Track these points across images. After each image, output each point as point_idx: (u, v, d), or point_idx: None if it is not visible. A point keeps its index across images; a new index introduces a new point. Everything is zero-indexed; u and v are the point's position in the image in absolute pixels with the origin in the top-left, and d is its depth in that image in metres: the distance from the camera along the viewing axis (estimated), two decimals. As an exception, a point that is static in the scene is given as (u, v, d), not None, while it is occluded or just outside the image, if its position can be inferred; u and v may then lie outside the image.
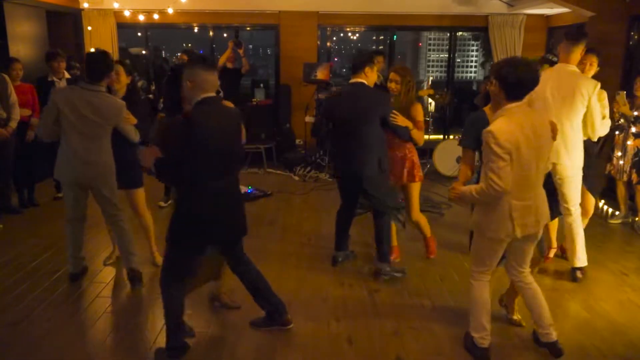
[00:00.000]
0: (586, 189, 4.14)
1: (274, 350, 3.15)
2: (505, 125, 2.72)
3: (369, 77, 3.88)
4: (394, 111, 3.87)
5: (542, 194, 2.93)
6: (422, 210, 5.79)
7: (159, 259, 4.11)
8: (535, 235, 2.94)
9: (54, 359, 3.06)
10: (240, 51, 7.77)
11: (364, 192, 3.99)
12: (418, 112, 4.05)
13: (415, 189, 4.27)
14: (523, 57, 3.04)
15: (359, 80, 3.87)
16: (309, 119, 8.10)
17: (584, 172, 3.94)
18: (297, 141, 8.76)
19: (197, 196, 2.81)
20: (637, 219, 5.32)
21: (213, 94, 2.77)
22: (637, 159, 5.10)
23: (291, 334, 3.32)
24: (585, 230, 4.60)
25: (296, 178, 7.43)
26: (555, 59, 6.19)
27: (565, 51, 3.86)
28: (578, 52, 3.85)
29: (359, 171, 3.88)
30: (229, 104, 3.04)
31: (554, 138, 2.90)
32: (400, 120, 3.88)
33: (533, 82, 2.75)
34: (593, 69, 4.16)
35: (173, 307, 2.95)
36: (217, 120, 2.76)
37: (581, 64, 3.99)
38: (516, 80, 2.70)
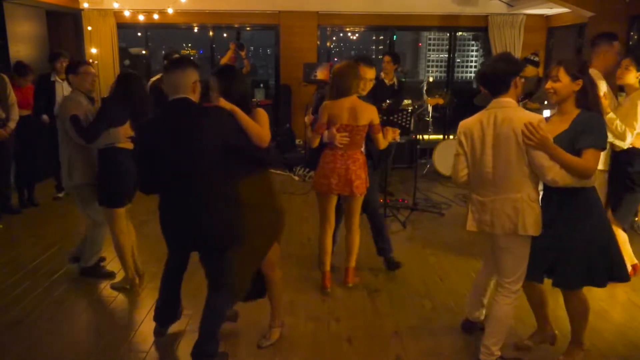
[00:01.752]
0: None
1: (274, 350, 3.15)
2: (470, 118, 2.83)
3: None
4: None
5: (510, 199, 2.69)
6: (422, 210, 5.84)
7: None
8: (497, 239, 2.78)
9: (54, 359, 3.06)
10: (242, 53, 7.78)
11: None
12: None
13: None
14: (509, 53, 3.00)
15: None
16: (309, 119, 8.09)
17: None
18: (297, 141, 8.76)
19: (161, 199, 2.82)
20: (636, 219, 5.32)
21: (183, 96, 2.68)
22: None
23: (291, 334, 3.32)
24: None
25: (296, 178, 7.43)
26: (537, 59, 6.22)
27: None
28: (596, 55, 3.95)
29: None
30: (225, 104, 2.80)
31: (526, 140, 2.59)
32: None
33: (496, 78, 2.70)
34: (630, 72, 3.79)
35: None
36: (177, 122, 2.66)
37: (618, 68, 3.87)
38: (481, 75, 2.81)
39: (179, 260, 3.10)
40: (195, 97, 2.75)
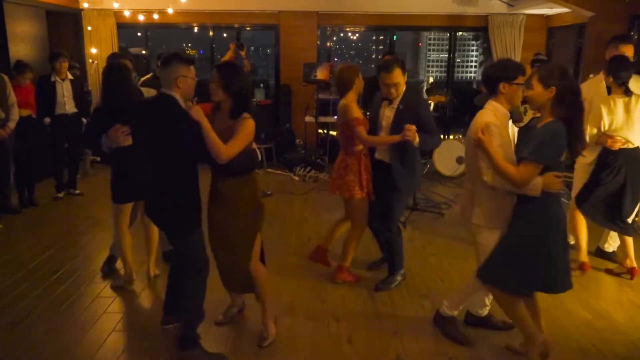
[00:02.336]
0: None
1: (274, 350, 3.15)
2: None
3: None
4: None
5: (469, 190, 3.00)
6: (422, 210, 5.85)
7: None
8: (469, 227, 3.04)
9: (54, 359, 3.06)
10: (242, 52, 7.79)
11: None
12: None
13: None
14: (509, 59, 3.07)
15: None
16: (309, 119, 8.11)
17: None
18: (297, 141, 8.76)
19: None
20: (637, 219, 5.31)
21: (166, 92, 2.84)
22: None
23: (291, 334, 3.32)
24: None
25: (296, 178, 7.43)
26: (545, 57, 6.24)
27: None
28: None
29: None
30: (197, 113, 2.79)
31: (475, 143, 2.79)
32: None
33: (486, 81, 2.93)
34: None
35: None
36: (149, 116, 2.90)
37: None
38: (481, 75, 3.02)
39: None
40: (180, 92, 2.84)
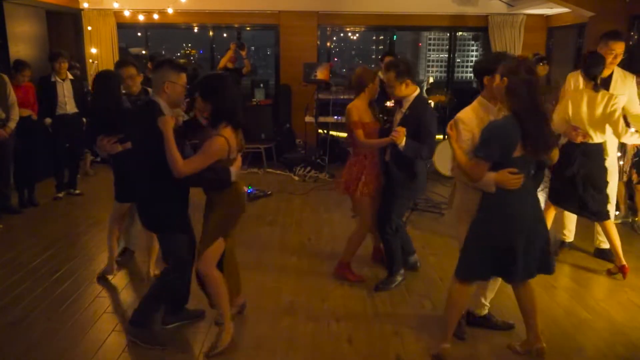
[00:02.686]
0: None
1: (275, 350, 3.15)
2: None
3: None
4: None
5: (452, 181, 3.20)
6: (422, 210, 5.84)
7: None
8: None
9: (54, 359, 3.06)
10: (243, 53, 7.78)
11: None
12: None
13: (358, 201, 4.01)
14: (501, 52, 3.23)
15: None
16: (309, 119, 8.11)
17: None
18: (297, 141, 8.76)
19: None
20: (636, 219, 5.32)
21: (152, 98, 2.95)
22: (637, 159, 5.10)
23: (291, 334, 3.32)
24: (585, 230, 4.62)
25: (296, 178, 7.42)
26: (542, 56, 6.25)
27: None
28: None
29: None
30: (164, 125, 2.83)
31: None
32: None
33: (474, 74, 3.04)
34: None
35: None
36: (135, 118, 3.12)
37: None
38: None
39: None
40: (167, 97, 2.91)
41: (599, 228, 4.37)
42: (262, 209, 5.92)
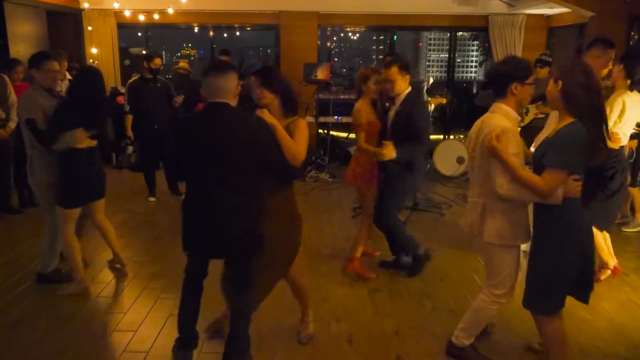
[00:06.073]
0: None
1: (275, 350, 3.15)
2: (479, 118, 2.81)
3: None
4: None
5: (476, 203, 2.75)
6: (422, 210, 5.84)
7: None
8: (476, 240, 2.79)
9: (54, 359, 3.06)
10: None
11: None
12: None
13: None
14: (519, 57, 2.89)
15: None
16: (309, 119, 8.10)
17: None
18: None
19: (186, 199, 2.79)
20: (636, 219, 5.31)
21: (223, 101, 2.63)
22: (631, 160, 5.06)
23: (292, 334, 3.31)
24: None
25: (296, 178, 7.41)
26: (549, 59, 6.20)
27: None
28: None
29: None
30: (268, 116, 2.73)
31: (489, 151, 2.56)
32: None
33: (495, 81, 2.68)
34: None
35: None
36: (213, 128, 2.61)
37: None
38: (486, 74, 2.86)
39: (198, 264, 2.91)
40: (234, 101, 2.71)
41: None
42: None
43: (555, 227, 2.52)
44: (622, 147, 3.81)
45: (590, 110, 2.42)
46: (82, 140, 3.64)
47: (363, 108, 3.97)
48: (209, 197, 2.67)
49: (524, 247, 2.93)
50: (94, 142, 3.76)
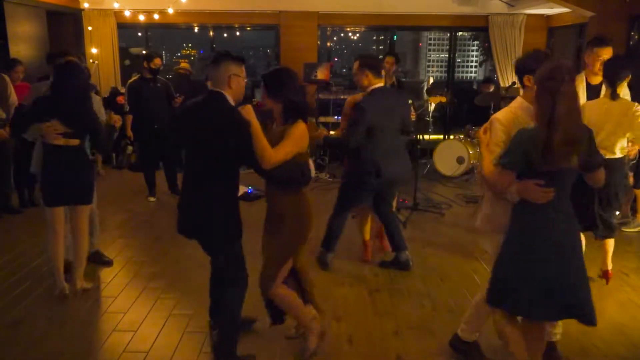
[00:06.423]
0: None
1: (275, 350, 3.15)
2: None
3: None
4: None
5: (483, 196, 2.82)
6: (422, 210, 5.84)
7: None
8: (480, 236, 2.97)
9: (54, 359, 3.06)
10: None
11: (388, 193, 4.28)
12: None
13: None
14: (540, 50, 2.80)
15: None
16: (309, 119, 8.09)
17: None
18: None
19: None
20: (637, 219, 5.31)
21: (216, 90, 2.70)
22: (634, 162, 5.06)
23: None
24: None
25: (296, 178, 7.41)
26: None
27: None
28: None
29: (402, 173, 4.20)
30: (248, 112, 2.67)
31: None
32: None
33: (516, 73, 2.73)
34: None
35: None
36: (194, 110, 2.77)
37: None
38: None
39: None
40: (232, 91, 2.71)
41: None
42: (262, 209, 5.87)
43: (513, 229, 2.50)
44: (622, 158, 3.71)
45: (544, 114, 2.29)
46: (50, 135, 3.53)
47: (350, 100, 4.25)
48: (185, 176, 2.88)
49: None
50: (76, 142, 3.62)
